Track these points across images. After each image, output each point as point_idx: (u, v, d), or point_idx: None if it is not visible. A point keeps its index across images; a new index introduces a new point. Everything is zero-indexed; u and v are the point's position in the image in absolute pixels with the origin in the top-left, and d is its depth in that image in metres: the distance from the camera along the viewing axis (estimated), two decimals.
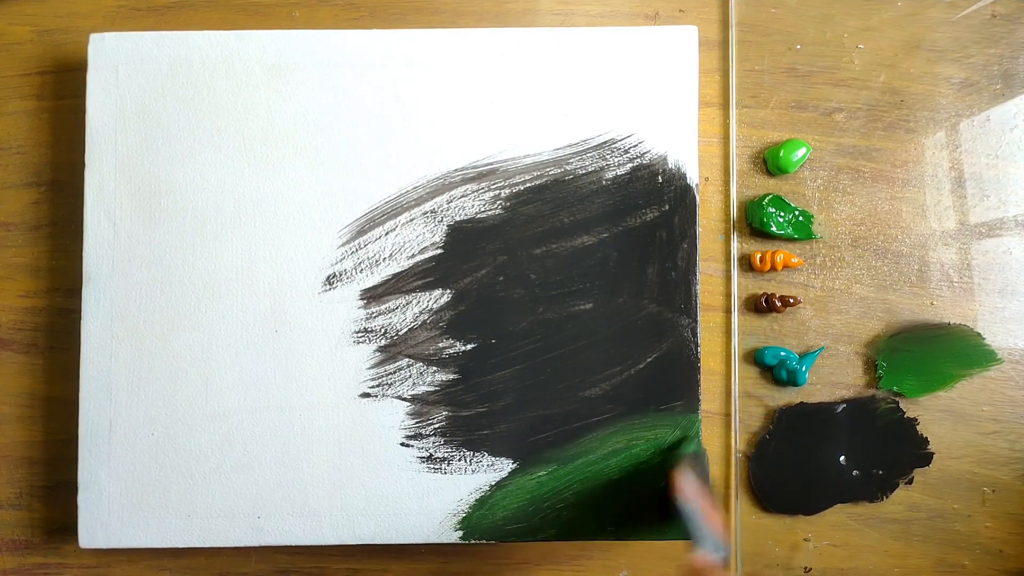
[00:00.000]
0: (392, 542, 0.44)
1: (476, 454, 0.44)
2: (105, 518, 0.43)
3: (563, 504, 0.43)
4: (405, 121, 0.44)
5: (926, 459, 0.46)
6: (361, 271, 0.44)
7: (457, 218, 0.44)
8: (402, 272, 0.44)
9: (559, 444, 0.44)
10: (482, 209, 0.44)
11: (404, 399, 0.44)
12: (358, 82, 0.44)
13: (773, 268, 0.46)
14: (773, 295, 0.46)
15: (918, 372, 0.46)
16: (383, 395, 0.44)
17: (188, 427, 0.43)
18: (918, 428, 0.46)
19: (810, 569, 0.46)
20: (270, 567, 0.47)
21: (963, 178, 0.47)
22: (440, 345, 0.44)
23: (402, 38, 0.44)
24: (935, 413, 0.46)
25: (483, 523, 0.43)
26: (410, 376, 0.44)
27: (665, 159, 0.44)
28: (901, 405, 0.46)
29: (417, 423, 0.44)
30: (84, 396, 0.43)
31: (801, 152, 0.46)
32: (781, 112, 0.47)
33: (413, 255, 0.44)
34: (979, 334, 0.46)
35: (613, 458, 0.43)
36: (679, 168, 0.44)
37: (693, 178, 0.44)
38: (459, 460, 0.43)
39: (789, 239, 0.46)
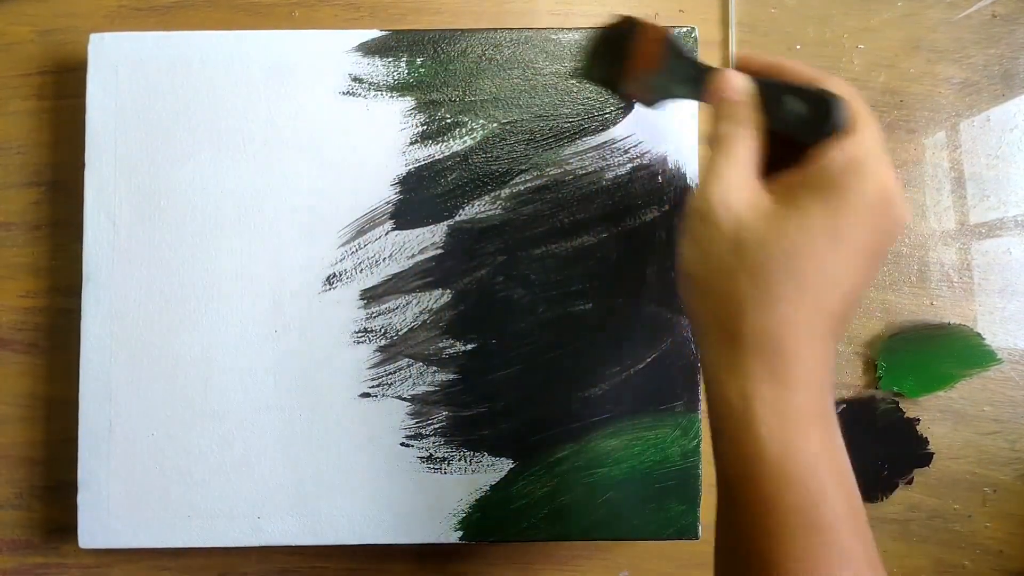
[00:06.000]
0: (392, 542, 0.44)
1: (476, 454, 0.43)
2: (105, 518, 0.43)
3: (563, 504, 0.43)
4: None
5: (926, 459, 0.46)
6: (361, 271, 0.44)
7: (457, 218, 0.44)
8: (402, 272, 0.44)
9: (559, 444, 0.44)
10: (482, 209, 0.44)
11: (404, 399, 0.44)
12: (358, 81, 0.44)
13: None
14: None
15: (918, 372, 0.46)
16: (383, 395, 0.44)
17: (188, 427, 0.43)
18: (918, 428, 0.46)
19: None
20: (270, 567, 0.47)
21: (963, 178, 0.47)
22: (440, 345, 0.44)
23: (402, 38, 0.44)
24: (935, 413, 0.46)
25: (483, 523, 0.43)
26: (410, 376, 0.44)
27: (665, 159, 0.44)
28: (901, 405, 0.46)
29: (417, 423, 0.44)
30: (84, 396, 0.43)
31: None
32: None
33: (413, 255, 0.44)
34: (979, 334, 0.46)
35: (613, 457, 0.43)
36: (679, 168, 0.44)
37: (693, 178, 0.44)
38: (459, 460, 0.43)
39: None
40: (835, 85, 0.32)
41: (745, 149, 0.31)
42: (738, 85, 0.33)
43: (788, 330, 0.29)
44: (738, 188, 0.30)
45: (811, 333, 0.29)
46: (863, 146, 0.29)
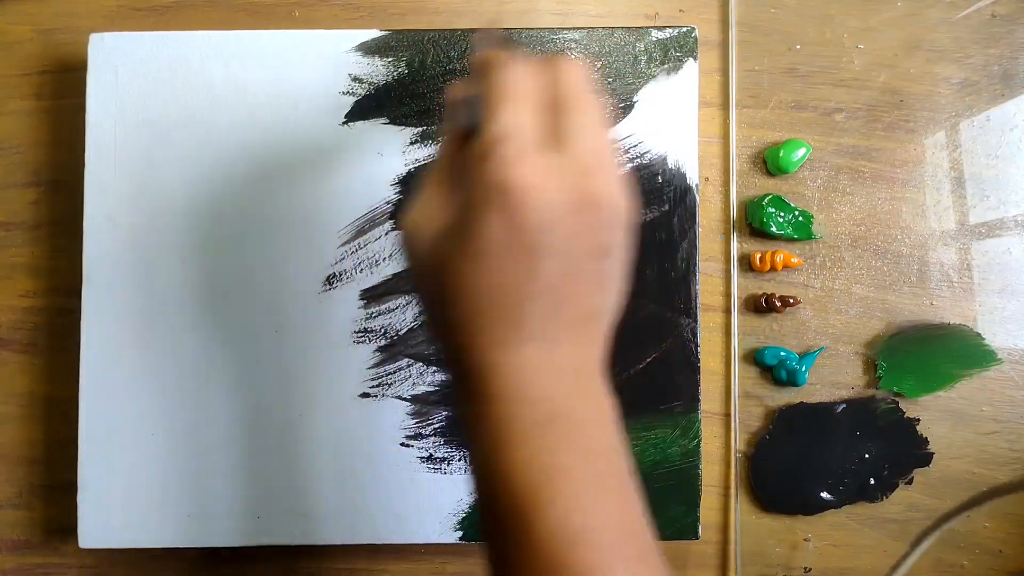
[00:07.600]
0: (392, 542, 0.44)
1: None
2: (105, 518, 0.43)
3: None
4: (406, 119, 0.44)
5: (926, 459, 0.46)
6: (361, 271, 0.44)
7: None
8: (402, 272, 0.44)
9: None
10: None
11: (404, 399, 0.44)
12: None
13: (773, 268, 0.46)
14: (773, 295, 0.46)
15: (918, 372, 0.46)
16: (383, 395, 0.44)
17: (188, 427, 0.43)
18: (918, 428, 0.46)
19: (810, 569, 0.46)
20: (270, 567, 0.47)
21: (963, 178, 0.47)
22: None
23: (402, 38, 0.44)
24: (935, 413, 0.46)
25: None
26: (410, 376, 0.44)
27: (665, 159, 0.44)
28: (901, 405, 0.46)
29: (417, 423, 0.44)
30: (84, 396, 0.43)
31: (801, 152, 0.46)
32: (781, 112, 0.47)
33: None
34: (979, 334, 0.46)
35: None
36: (679, 168, 0.44)
37: (693, 178, 0.44)
38: (459, 460, 0.43)
39: (789, 239, 0.46)
40: (487, 78, 0.29)
41: (442, 158, 0.31)
42: (448, 94, 0.32)
43: (460, 349, 0.29)
44: (423, 202, 0.30)
45: (472, 343, 0.28)
46: (483, 142, 0.28)
